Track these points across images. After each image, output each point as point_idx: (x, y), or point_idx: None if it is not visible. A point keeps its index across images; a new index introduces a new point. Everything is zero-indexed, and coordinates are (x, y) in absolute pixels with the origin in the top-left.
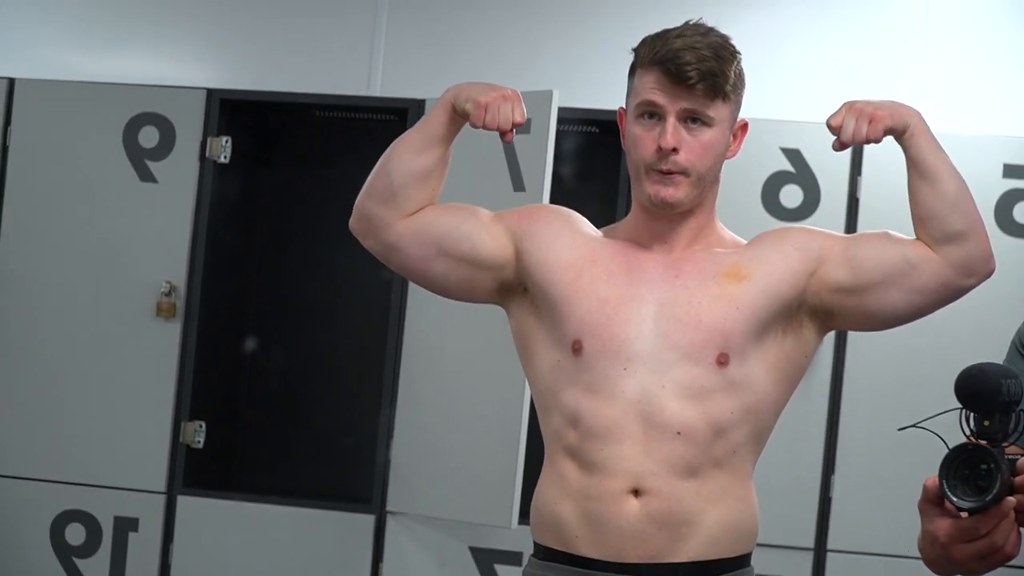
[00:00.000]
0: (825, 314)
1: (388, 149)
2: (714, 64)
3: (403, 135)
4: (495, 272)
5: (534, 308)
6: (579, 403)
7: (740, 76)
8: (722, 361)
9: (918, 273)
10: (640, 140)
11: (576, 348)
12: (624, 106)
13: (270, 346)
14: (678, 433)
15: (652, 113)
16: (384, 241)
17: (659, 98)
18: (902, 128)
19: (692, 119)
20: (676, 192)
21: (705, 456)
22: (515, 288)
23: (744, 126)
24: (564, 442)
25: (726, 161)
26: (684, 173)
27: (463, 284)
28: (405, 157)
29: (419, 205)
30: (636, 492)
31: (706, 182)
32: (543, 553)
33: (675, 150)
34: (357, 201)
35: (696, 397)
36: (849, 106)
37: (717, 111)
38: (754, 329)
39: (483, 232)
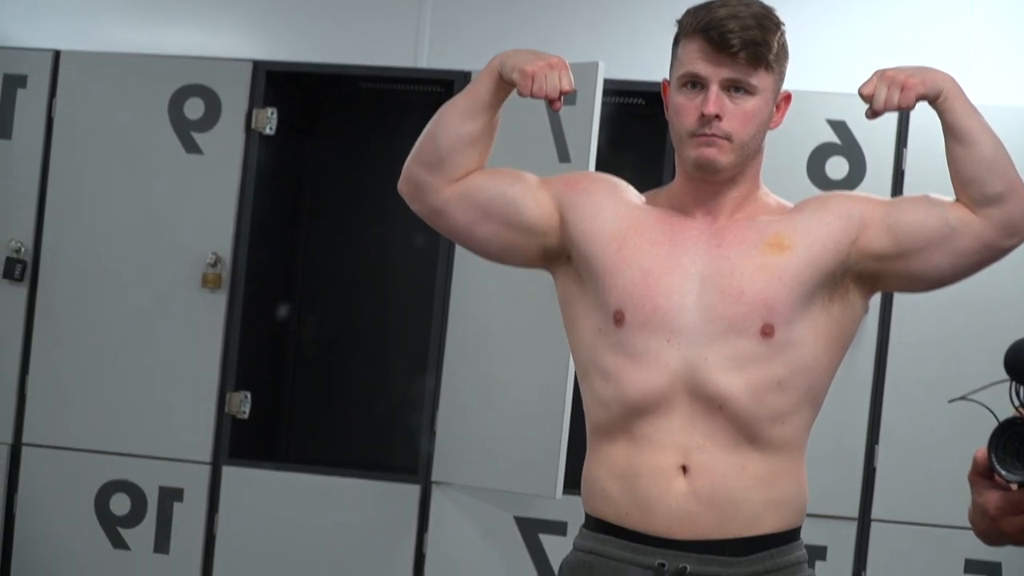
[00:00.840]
0: (870, 278)
1: (436, 114)
2: (757, 33)
3: (451, 100)
4: (539, 238)
5: (577, 276)
6: (621, 370)
7: (783, 47)
8: (767, 332)
9: (960, 236)
10: (683, 108)
11: (618, 318)
12: (667, 78)
13: (315, 317)
14: (720, 407)
15: (695, 83)
16: (431, 205)
17: (702, 68)
18: (935, 94)
19: (735, 88)
20: (719, 154)
21: (751, 429)
22: (559, 255)
23: (787, 97)
24: (609, 411)
25: (770, 132)
26: (727, 138)
27: (508, 248)
28: (452, 123)
29: (466, 171)
30: (684, 468)
31: (749, 150)
32: (595, 524)
33: (718, 117)
34: (405, 165)
35: (740, 369)
36: (880, 74)
37: (760, 80)
38: (798, 299)
39: (529, 198)
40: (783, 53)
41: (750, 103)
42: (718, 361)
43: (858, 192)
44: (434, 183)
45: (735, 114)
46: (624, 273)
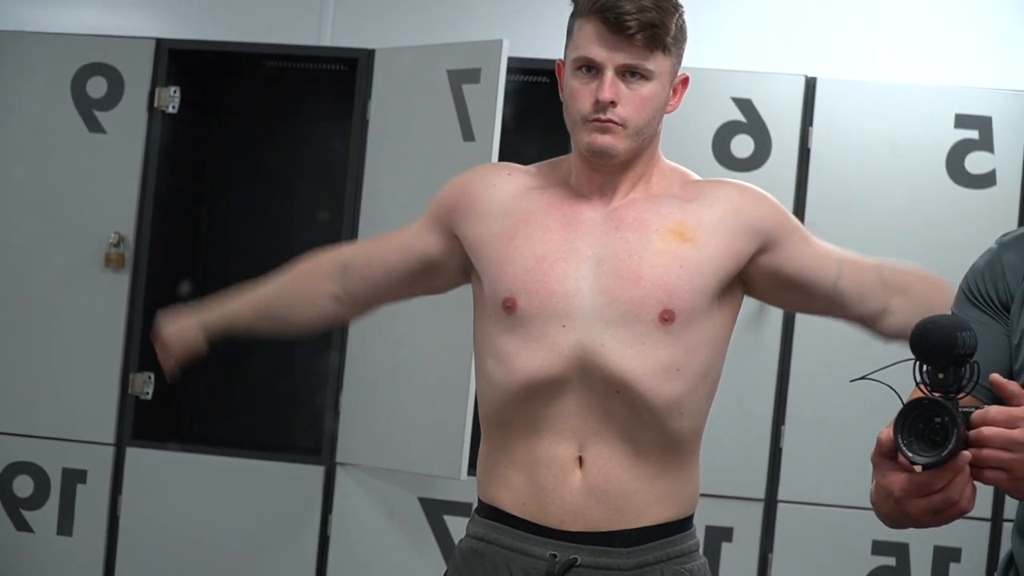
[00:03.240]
0: (751, 282)
1: None
2: (655, 15)
3: None
4: (449, 265)
5: (477, 278)
6: (514, 353)
7: (682, 29)
8: (666, 318)
9: (839, 305)
10: (577, 93)
11: (508, 305)
12: (562, 59)
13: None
14: (617, 392)
15: (590, 67)
16: (356, 317)
17: (597, 52)
18: None
19: (630, 73)
20: (613, 141)
21: (649, 416)
22: (469, 268)
23: (685, 81)
24: (505, 393)
25: (672, 114)
26: (623, 124)
27: (435, 288)
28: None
29: (343, 304)
30: (580, 460)
31: (644, 135)
32: (487, 511)
33: (613, 103)
34: None
35: (638, 354)
36: None
37: (657, 64)
38: (698, 290)
39: (415, 250)
40: (681, 35)
41: (646, 88)
42: (615, 346)
43: (770, 200)
44: (344, 315)
45: (631, 99)
46: (515, 261)
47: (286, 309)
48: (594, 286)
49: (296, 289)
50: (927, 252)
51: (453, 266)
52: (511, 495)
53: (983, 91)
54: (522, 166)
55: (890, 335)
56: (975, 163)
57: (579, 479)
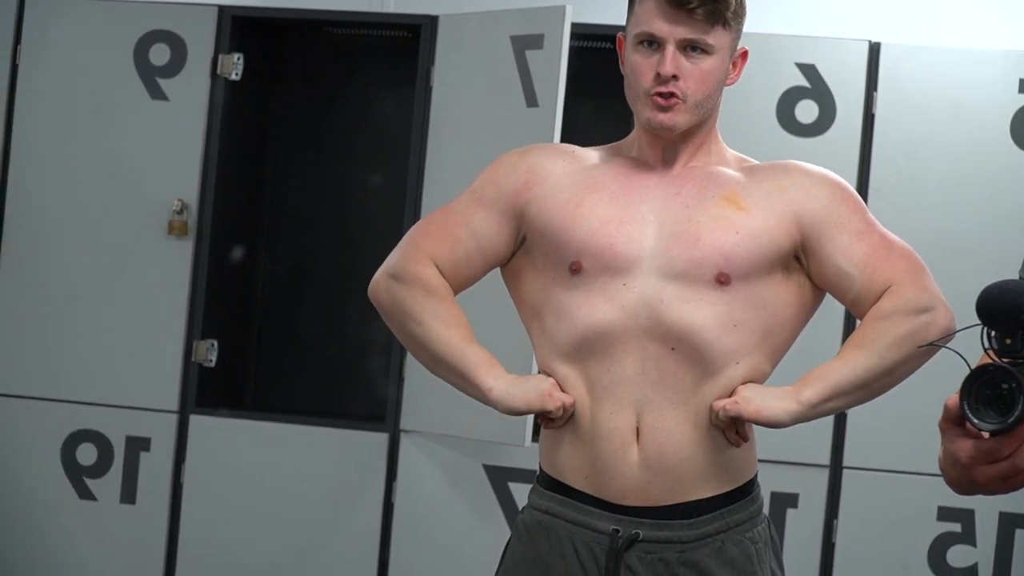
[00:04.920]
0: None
1: (411, 318)
2: None
3: (432, 333)
4: (513, 246)
5: (526, 250)
6: (576, 307)
7: (742, 3)
8: (722, 280)
9: (854, 303)
10: (639, 67)
11: (575, 268)
12: (623, 32)
13: (283, 265)
14: (673, 348)
15: (651, 41)
16: None
17: (658, 27)
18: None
19: (691, 47)
20: (674, 117)
21: (702, 373)
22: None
23: (744, 54)
24: (560, 349)
25: (735, 85)
26: (683, 99)
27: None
28: (418, 355)
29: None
30: (638, 432)
31: (704, 109)
32: (550, 483)
33: (674, 76)
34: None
35: (696, 309)
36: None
37: (717, 38)
38: (755, 256)
39: (497, 250)
40: (741, 10)
41: (707, 62)
42: (673, 300)
43: (820, 187)
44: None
45: (692, 74)
46: (581, 225)
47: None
48: (655, 247)
49: (455, 307)
50: (990, 217)
51: (515, 245)
52: (573, 467)
53: None
54: (582, 148)
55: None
56: None
57: (636, 453)
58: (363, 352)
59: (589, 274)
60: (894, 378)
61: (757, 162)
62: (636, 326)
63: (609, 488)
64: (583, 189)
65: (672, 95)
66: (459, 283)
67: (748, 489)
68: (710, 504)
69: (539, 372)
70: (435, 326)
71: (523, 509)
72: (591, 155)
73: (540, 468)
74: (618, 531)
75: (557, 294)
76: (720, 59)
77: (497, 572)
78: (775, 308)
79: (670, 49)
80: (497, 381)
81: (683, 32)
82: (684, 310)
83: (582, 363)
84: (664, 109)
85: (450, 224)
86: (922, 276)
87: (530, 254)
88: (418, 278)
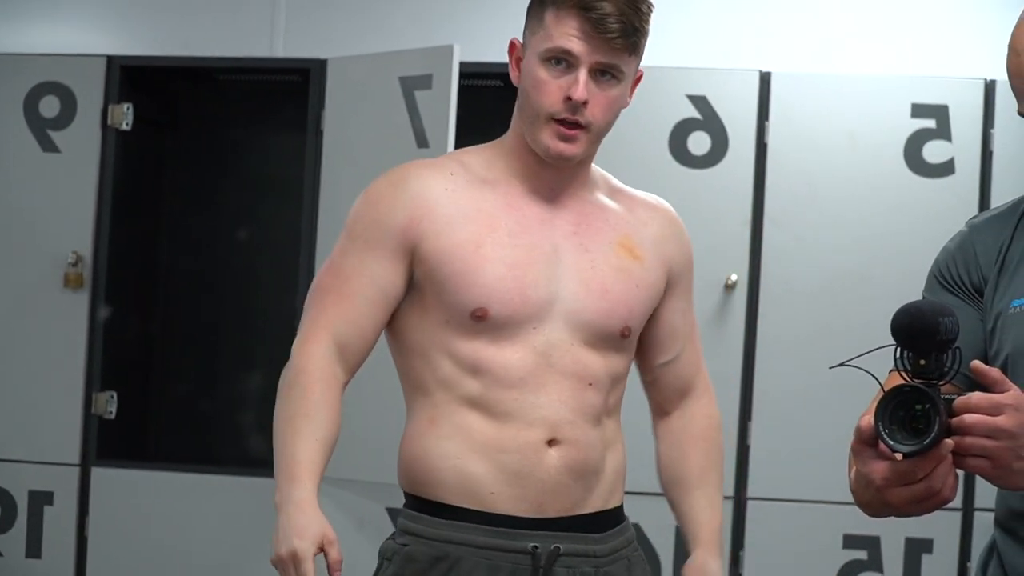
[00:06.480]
0: None
1: (279, 408)
2: (635, 19)
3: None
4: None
5: (412, 286)
6: (480, 353)
7: (648, 31)
8: (624, 334)
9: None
10: (544, 85)
11: (478, 315)
12: (521, 39)
13: (180, 313)
14: (590, 384)
15: (561, 60)
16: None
17: (576, 47)
18: None
19: (602, 72)
20: (575, 148)
21: (605, 405)
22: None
23: (639, 77)
24: (460, 391)
25: (627, 110)
26: (587, 128)
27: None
28: None
29: (352, 373)
30: (551, 442)
31: (602, 137)
32: (438, 509)
33: (584, 102)
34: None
35: (602, 355)
36: None
37: (628, 65)
38: (647, 309)
39: (392, 291)
40: (647, 37)
41: (615, 89)
42: (583, 345)
43: (684, 239)
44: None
45: (599, 100)
46: (485, 271)
47: (335, 430)
48: (563, 292)
49: (331, 408)
50: (888, 243)
51: (406, 285)
52: (472, 488)
53: (939, 79)
54: (457, 155)
55: (655, 430)
56: (933, 152)
57: (555, 458)
58: (263, 400)
59: (495, 321)
60: None
61: (621, 184)
62: (548, 365)
63: (524, 499)
64: (479, 227)
65: (577, 124)
66: (368, 340)
67: (622, 509)
68: (610, 518)
69: (413, 407)
70: (281, 426)
71: (395, 538)
72: (469, 168)
73: (413, 497)
74: (536, 547)
75: (452, 339)
76: (625, 86)
77: None
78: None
79: (584, 72)
80: (286, 498)
81: (599, 56)
82: (594, 357)
83: (483, 396)
84: (567, 139)
85: (343, 284)
86: (703, 364)
87: (418, 292)
88: (295, 366)
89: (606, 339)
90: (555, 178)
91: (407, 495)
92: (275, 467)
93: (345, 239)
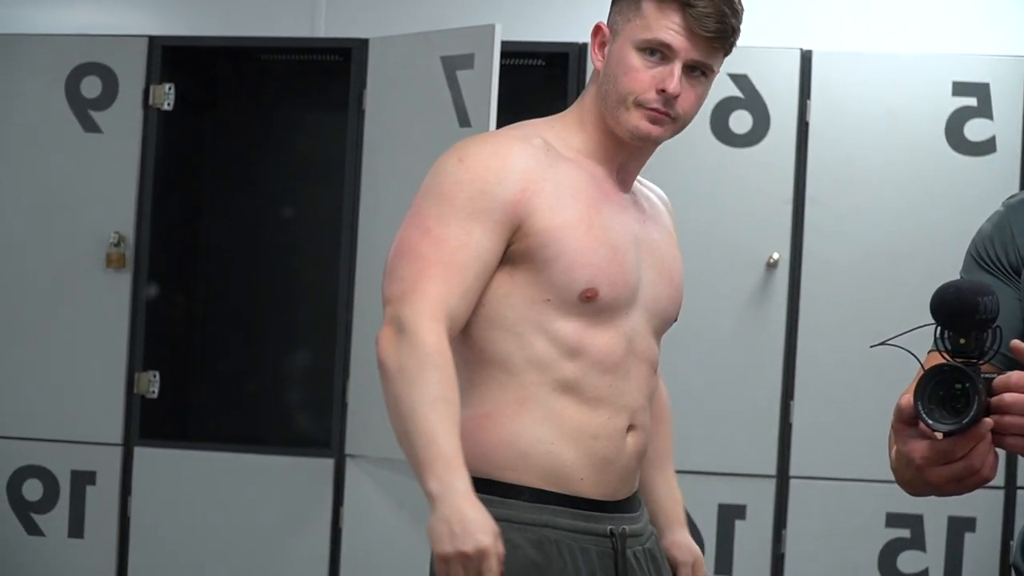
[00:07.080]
0: None
1: (405, 392)
2: (733, 20)
3: (412, 413)
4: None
5: (507, 259)
6: (581, 335)
7: None
8: (675, 319)
9: None
10: (636, 73)
11: (590, 295)
12: (609, 23)
13: (222, 293)
14: (655, 370)
15: (657, 51)
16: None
17: (676, 42)
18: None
19: (693, 68)
20: (661, 130)
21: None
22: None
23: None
24: (555, 374)
25: None
26: (674, 119)
27: None
28: None
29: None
30: (629, 428)
31: (683, 129)
32: (534, 495)
33: (676, 96)
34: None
35: (659, 341)
36: None
37: (718, 64)
38: None
39: (494, 262)
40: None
41: (703, 86)
42: (652, 333)
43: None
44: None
45: (688, 95)
46: (597, 251)
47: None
48: (644, 278)
49: (455, 386)
50: (929, 221)
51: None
52: (562, 472)
53: (980, 58)
54: (533, 128)
55: None
56: (974, 130)
57: (631, 443)
58: (307, 379)
59: (602, 303)
60: None
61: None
62: (631, 352)
63: (607, 484)
64: (586, 207)
65: (666, 114)
66: (466, 315)
67: None
68: (638, 498)
69: (476, 381)
70: (423, 411)
71: (510, 531)
72: (551, 143)
73: (499, 482)
74: (612, 531)
75: (552, 318)
76: (711, 83)
77: None
78: None
79: (679, 67)
80: (448, 488)
81: (696, 54)
82: (655, 343)
83: (578, 381)
84: (655, 122)
85: (450, 256)
86: None
87: (512, 266)
88: (424, 344)
89: (668, 325)
90: (628, 161)
91: (483, 480)
92: (417, 452)
93: (441, 205)
